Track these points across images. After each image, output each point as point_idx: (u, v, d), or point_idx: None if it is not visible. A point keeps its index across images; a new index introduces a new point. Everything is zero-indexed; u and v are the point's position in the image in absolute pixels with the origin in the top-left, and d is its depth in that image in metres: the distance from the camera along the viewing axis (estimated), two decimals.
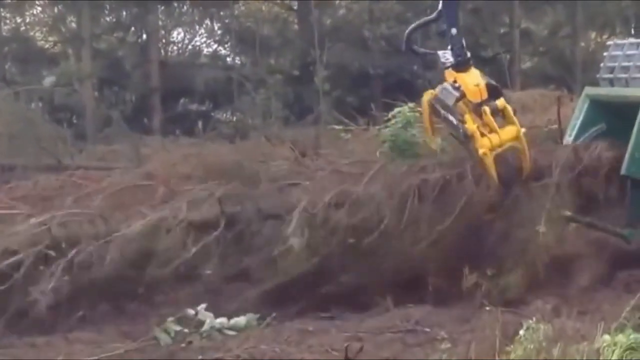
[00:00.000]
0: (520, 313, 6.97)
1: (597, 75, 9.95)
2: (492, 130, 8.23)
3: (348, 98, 22.87)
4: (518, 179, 8.52)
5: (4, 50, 23.28)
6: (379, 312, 7.51)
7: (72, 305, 7.54)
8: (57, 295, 7.42)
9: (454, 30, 8.34)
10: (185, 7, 25.25)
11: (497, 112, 8.32)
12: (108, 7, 24.45)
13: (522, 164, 8.43)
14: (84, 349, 6.51)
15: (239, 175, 9.24)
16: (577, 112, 9.71)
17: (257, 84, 21.57)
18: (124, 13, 24.40)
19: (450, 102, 8.31)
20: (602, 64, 9.92)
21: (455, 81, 8.31)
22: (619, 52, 9.76)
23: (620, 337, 5.55)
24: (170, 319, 6.95)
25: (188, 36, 25.95)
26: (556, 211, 8.37)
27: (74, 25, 23.69)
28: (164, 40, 25.16)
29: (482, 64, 24.80)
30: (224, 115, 25.13)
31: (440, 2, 8.36)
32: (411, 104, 12.48)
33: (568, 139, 9.57)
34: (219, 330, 6.91)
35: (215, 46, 26.11)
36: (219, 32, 25.87)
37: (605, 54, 10.01)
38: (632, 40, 10.40)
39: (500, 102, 8.34)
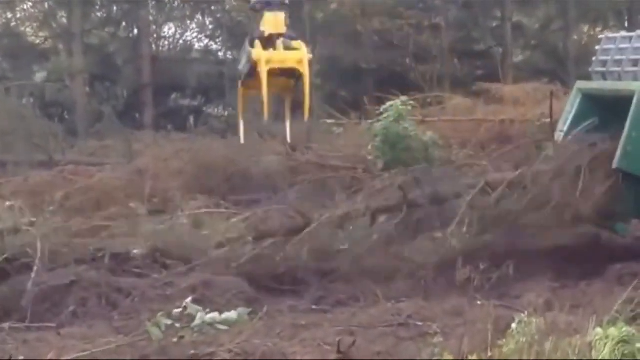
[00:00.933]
0: (512, 307, 6.96)
1: (590, 69, 9.92)
2: None
3: (340, 92, 22.87)
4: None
5: None
6: (370, 306, 7.49)
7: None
8: None
9: None
10: (176, 2, 25.23)
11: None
12: (99, 2, 24.41)
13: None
14: (76, 344, 6.45)
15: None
16: (569, 106, 9.67)
17: None
18: (115, 8, 24.36)
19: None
20: (594, 58, 9.89)
21: None
22: (611, 46, 9.70)
23: (613, 331, 5.54)
24: (161, 313, 6.89)
25: (179, 31, 25.94)
26: None
27: (64, 20, 23.64)
28: (155, 36, 25.11)
29: (475, 57, 24.90)
30: (216, 110, 25.12)
31: None
32: (403, 98, 12.51)
33: (560, 133, 9.55)
34: (211, 324, 6.87)
35: (206, 41, 26.12)
36: (211, 27, 25.86)
37: (597, 47, 9.97)
38: (624, 33, 10.38)
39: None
